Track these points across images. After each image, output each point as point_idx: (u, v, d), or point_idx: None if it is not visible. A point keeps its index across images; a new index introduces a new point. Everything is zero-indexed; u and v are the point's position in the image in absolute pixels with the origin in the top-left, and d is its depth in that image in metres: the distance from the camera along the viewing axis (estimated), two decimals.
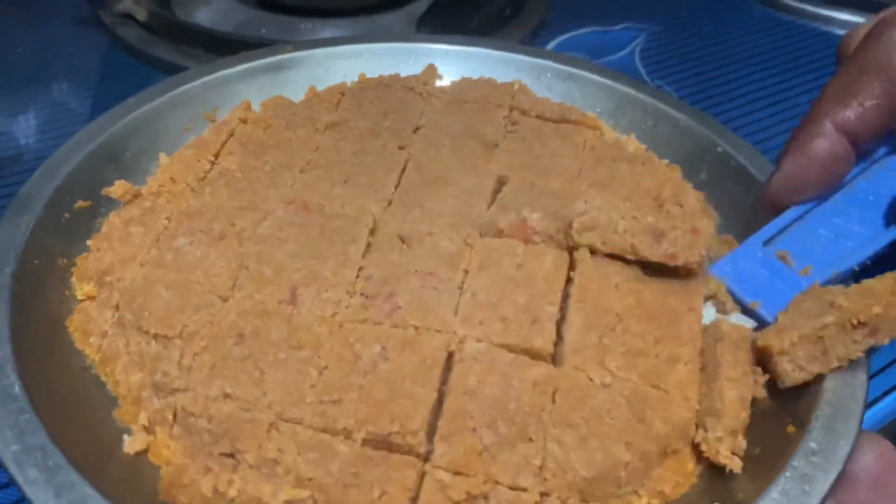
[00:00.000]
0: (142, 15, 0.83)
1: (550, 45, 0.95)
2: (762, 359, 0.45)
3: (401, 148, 0.59)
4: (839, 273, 0.47)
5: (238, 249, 0.49)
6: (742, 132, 0.61)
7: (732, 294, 0.49)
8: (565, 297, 0.46)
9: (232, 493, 0.40)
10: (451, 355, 0.43)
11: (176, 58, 0.81)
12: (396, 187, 0.55)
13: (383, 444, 0.40)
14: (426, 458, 0.40)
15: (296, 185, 0.55)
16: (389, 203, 0.54)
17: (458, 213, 0.53)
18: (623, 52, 0.96)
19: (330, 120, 0.61)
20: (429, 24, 0.85)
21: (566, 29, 0.99)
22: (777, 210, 0.51)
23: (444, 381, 0.42)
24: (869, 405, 0.55)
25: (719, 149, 0.62)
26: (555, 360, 0.45)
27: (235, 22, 0.86)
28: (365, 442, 0.40)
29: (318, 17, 0.86)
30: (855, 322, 0.42)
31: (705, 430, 0.43)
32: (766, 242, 0.51)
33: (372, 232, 0.51)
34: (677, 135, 0.64)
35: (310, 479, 0.39)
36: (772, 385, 0.45)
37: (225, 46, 0.79)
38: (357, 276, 0.48)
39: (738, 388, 0.43)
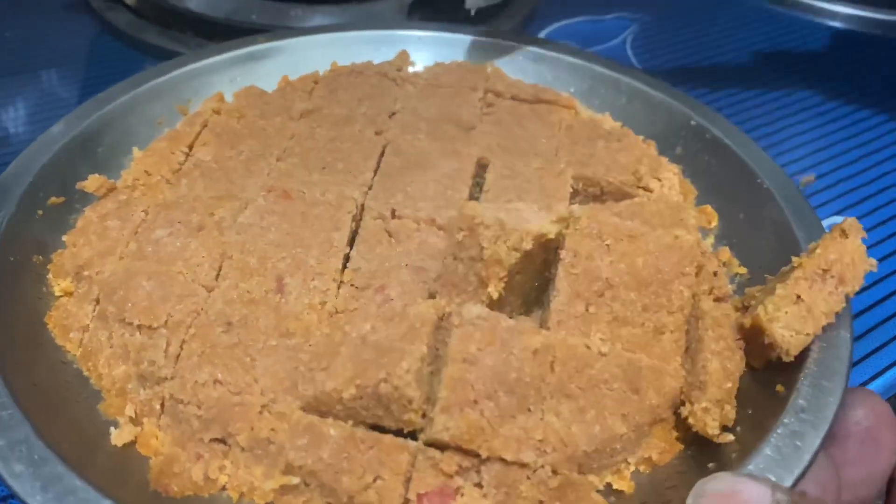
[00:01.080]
0: (131, 1, 0.82)
1: (541, 34, 0.95)
2: (756, 340, 0.45)
3: (377, 133, 0.59)
4: None
5: (219, 239, 0.49)
6: (733, 120, 0.61)
7: None
8: (555, 261, 0.46)
9: (223, 479, 0.39)
10: (444, 318, 0.42)
11: (165, 42, 0.79)
12: (375, 172, 0.55)
13: (374, 405, 0.39)
14: (421, 429, 0.40)
15: (273, 174, 0.54)
16: (370, 188, 0.54)
17: (441, 196, 0.53)
18: (615, 42, 0.96)
19: (304, 108, 0.60)
20: (419, 12, 0.84)
21: (557, 18, 0.99)
22: None
23: (438, 347, 0.41)
24: (881, 372, 0.56)
25: (693, 122, 0.62)
26: (540, 325, 0.45)
27: (227, 8, 0.84)
28: (356, 421, 0.39)
29: (309, 4, 0.84)
30: (819, 272, 0.43)
31: (691, 404, 0.42)
32: None
33: (356, 220, 0.51)
34: (651, 111, 0.65)
35: (300, 468, 0.38)
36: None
37: (215, 32, 0.78)
38: (344, 266, 0.48)
39: (721, 360, 0.43)
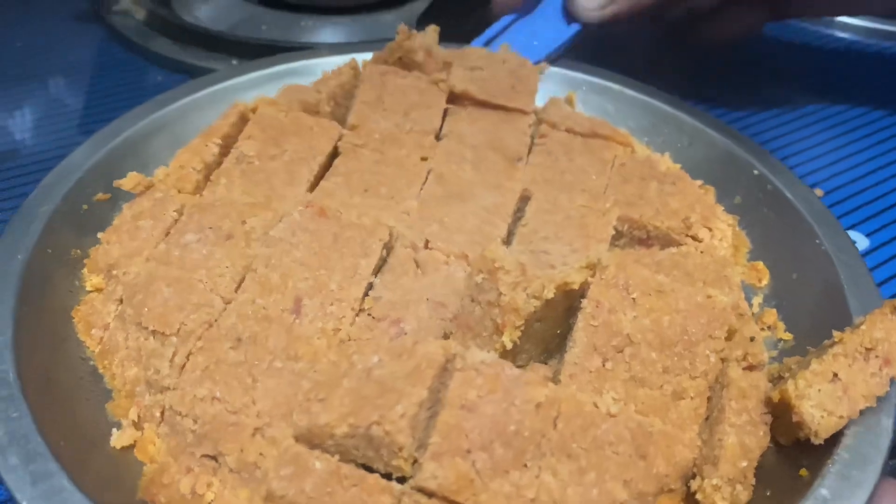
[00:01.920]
0: (140, 14, 0.83)
1: None
2: (785, 416, 0.41)
3: (423, 159, 0.58)
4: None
5: (245, 251, 0.49)
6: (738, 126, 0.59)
7: None
8: (576, 310, 0.44)
9: (209, 496, 0.39)
10: (450, 360, 0.40)
11: (174, 53, 0.80)
12: (416, 199, 0.54)
13: (364, 445, 0.38)
14: (410, 476, 0.38)
15: (314, 190, 0.54)
16: (408, 215, 0.53)
17: (478, 231, 0.52)
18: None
19: (351, 123, 0.60)
20: (429, 23, 0.84)
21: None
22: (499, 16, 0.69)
23: (440, 390, 0.39)
24: None
25: (756, 171, 0.59)
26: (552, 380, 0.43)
27: (236, 19, 0.86)
28: (343, 456, 0.38)
29: (319, 15, 0.85)
30: (862, 350, 0.40)
31: (702, 478, 0.39)
32: (487, 43, 0.68)
33: (387, 248, 0.50)
34: (713, 156, 0.62)
35: (282, 497, 0.37)
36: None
37: (223, 43, 0.79)
38: (366, 294, 0.47)
39: (739, 435, 0.40)
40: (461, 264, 0.49)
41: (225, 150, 0.56)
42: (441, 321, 0.46)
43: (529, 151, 0.60)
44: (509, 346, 0.42)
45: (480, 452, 0.37)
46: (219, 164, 0.56)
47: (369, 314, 0.46)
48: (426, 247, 0.50)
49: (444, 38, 0.72)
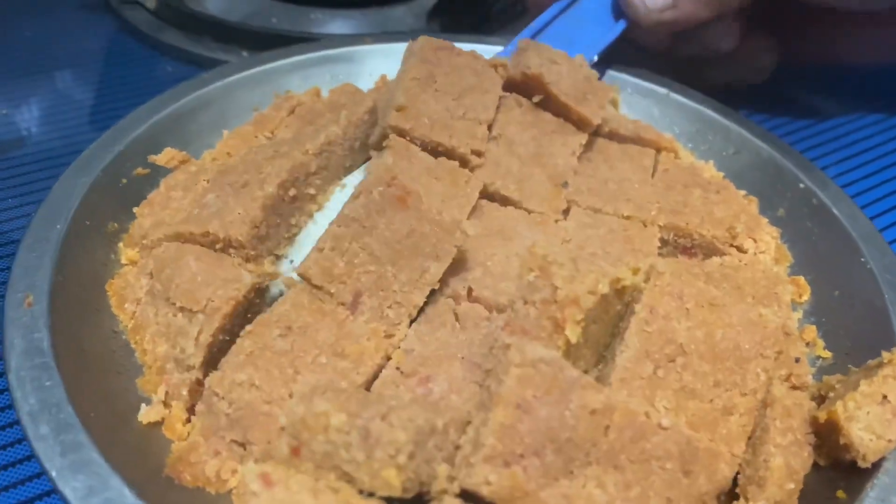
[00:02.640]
0: (150, 4, 0.83)
1: None
2: (830, 437, 0.41)
3: (469, 168, 0.54)
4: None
5: (256, 192, 0.47)
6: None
7: None
8: (627, 315, 0.43)
9: (233, 482, 0.39)
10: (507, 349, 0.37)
11: (184, 43, 0.80)
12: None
13: (358, 442, 0.34)
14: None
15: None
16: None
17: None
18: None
19: (398, 103, 0.53)
20: (439, 17, 0.83)
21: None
22: (540, 9, 0.67)
23: (489, 383, 0.38)
24: None
25: (801, 185, 0.58)
26: (599, 380, 0.42)
27: (246, 11, 0.85)
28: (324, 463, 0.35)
29: (329, 8, 0.85)
30: None
31: (746, 500, 0.39)
32: (535, 36, 0.66)
33: (431, 294, 0.46)
34: (758, 166, 0.61)
35: None
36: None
37: (233, 35, 0.78)
38: (421, 311, 0.45)
39: (786, 456, 0.39)
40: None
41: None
42: (474, 383, 0.43)
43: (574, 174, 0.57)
44: (574, 340, 0.40)
45: (533, 458, 0.35)
46: None
47: (398, 368, 0.43)
48: (469, 295, 0.47)
49: (454, 31, 0.71)
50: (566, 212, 0.55)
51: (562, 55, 0.58)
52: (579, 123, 0.58)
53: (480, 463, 0.34)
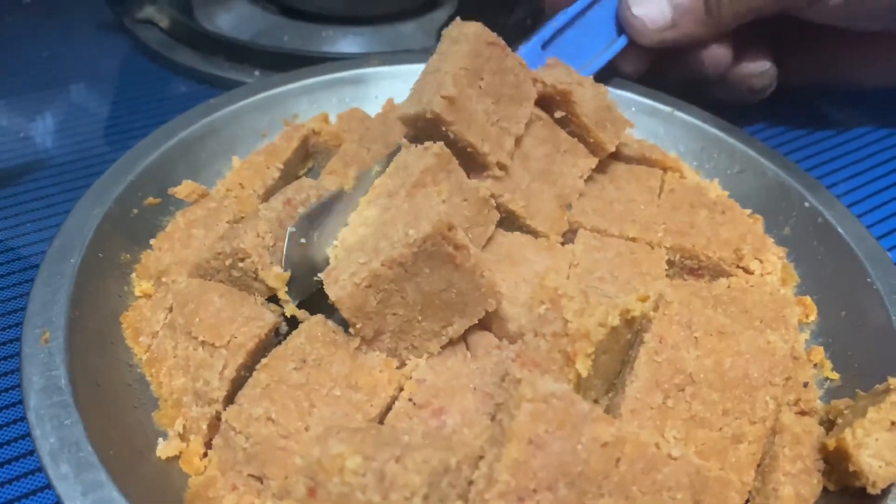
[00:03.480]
0: (163, 23, 0.83)
1: None
2: (839, 464, 0.41)
3: (485, 176, 0.53)
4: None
5: None
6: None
7: None
8: (636, 344, 0.44)
9: None
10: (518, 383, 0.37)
11: (196, 63, 0.80)
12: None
13: (375, 483, 0.34)
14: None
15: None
16: None
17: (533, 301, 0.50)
18: None
19: (448, 91, 0.50)
20: None
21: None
22: (555, 9, 0.67)
23: (501, 418, 0.38)
24: None
25: (806, 203, 0.58)
26: (609, 410, 0.42)
27: (257, 28, 0.86)
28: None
29: (340, 25, 0.86)
30: None
31: None
32: (545, 45, 0.66)
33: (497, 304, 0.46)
34: (763, 185, 0.61)
35: None
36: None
37: (244, 53, 0.79)
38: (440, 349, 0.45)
39: (795, 485, 0.40)
40: (514, 349, 0.45)
41: (285, 173, 0.57)
42: (487, 414, 0.43)
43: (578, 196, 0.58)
44: (584, 374, 0.41)
45: (546, 493, 0.35)
46: (278, 187, 0.55)
47: (410, 400, 0.43)
48: (479, 323, 0.47)
49: None
50: (572, 233, 0.55)
51: (587, 80, 0.59)
52: (594, 147, 0.58)
53: (495, 499, 0.35)
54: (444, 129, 0.51)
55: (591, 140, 0.58)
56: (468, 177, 0.51)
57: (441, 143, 0.50)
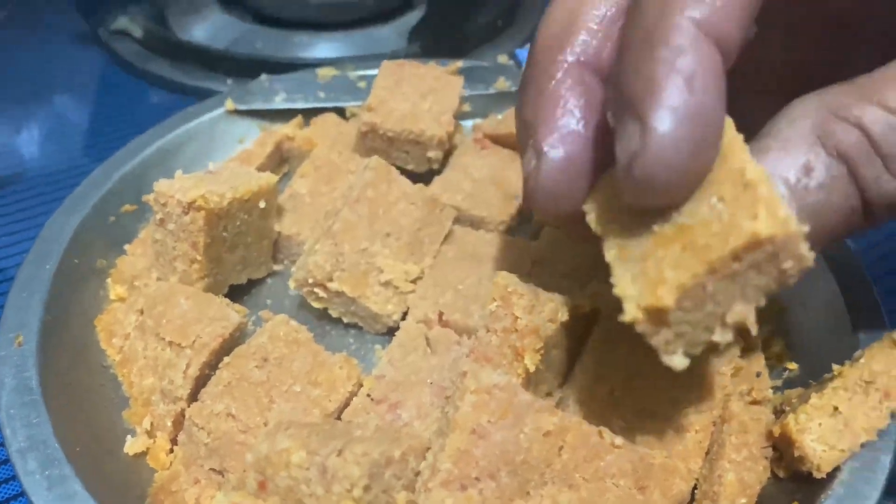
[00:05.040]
0: (137, 33, 0.85)
1: None
2: (786, 450, 0.42)
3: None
4: None
5: None
6: None
7: None
8: (583, 337, 0.45)
9: None
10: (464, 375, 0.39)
11: (171, 73, 0.81)
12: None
13: (317, 478, 0.36)
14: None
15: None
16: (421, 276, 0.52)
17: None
18: None
19: (368, 104, 0.59)
20: (420, 37, 0.84)
21: None
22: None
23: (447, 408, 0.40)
24: None
25: None
26: (559, 405, 0.44)
27: (231, 37, 0.88)
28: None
29: (313, 31, 0.87)
30: (862, 383, 0.40)
31: None
32: None
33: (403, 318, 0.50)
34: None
35: None
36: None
37: (219, 62, 0.80)
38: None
39: (739, 472, 0.41)
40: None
41: None
42: (441, 408, 0.44)
43: None
44: (532, 368, 0.42)
45: (489, 481, 0.36)
46: None
47: (368, 395, 0.45)
48: (440, 319, 0.49)
49: (435, 51, 0.72)
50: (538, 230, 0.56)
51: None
52: None
53: (437, 487, 0.36)
54: (380, 131, 0.56)
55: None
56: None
57: (376, 157, 0.53)
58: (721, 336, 0.33)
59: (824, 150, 0.34)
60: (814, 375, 0.47)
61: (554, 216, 0.38)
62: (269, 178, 0.51)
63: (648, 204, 0.32)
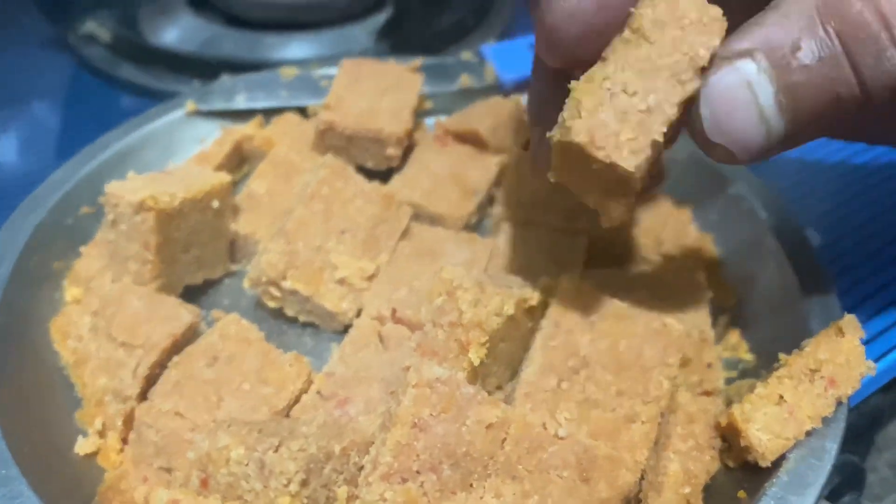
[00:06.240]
0: (105, 37, 0.84)
1: None
2: (734, 439, 0.42)
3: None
4: None
5: None
6: None
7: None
8: (533, 331, 0.45)
9: None
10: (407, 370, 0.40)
11: (140, 78, 0.81)
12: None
13: (256, 473, 0.37)
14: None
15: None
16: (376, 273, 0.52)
17: None
18: None
19: (326, 103, 0.60)
20: (390, 35, 0.85)
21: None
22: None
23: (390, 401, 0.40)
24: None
25: (731, 190, 0.59)
26: (510, 395, 0.44)
27: (201, 39, 0.88)
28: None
29: (283, 32, 0.87)
30: (808, 371, 0.40)
31: None
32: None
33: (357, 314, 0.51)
34: (690, 169, 0.62)
35: None
36: None
37: (188, 65, 0.80)
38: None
39: (684, 461, 0.41)
40: None
41: None
42: (388, 403, 0.44)
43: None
44: (476, 362, 0.42)
45: (430, 473, 0.37)
46: None
47: (318, 392, 0.45)
48: (393, 315, 0.49)
49: (404, 50, 0.72)
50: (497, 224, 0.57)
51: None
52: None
53: (377, 481, 0.36)
54: (339, 129, 0.57)
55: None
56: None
57: (331, 155, 0.54)
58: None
59: (820, 27, 0.33)
60: (770, 367, 0.47)
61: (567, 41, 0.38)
62: (222, 177, 0.51)
63: None
